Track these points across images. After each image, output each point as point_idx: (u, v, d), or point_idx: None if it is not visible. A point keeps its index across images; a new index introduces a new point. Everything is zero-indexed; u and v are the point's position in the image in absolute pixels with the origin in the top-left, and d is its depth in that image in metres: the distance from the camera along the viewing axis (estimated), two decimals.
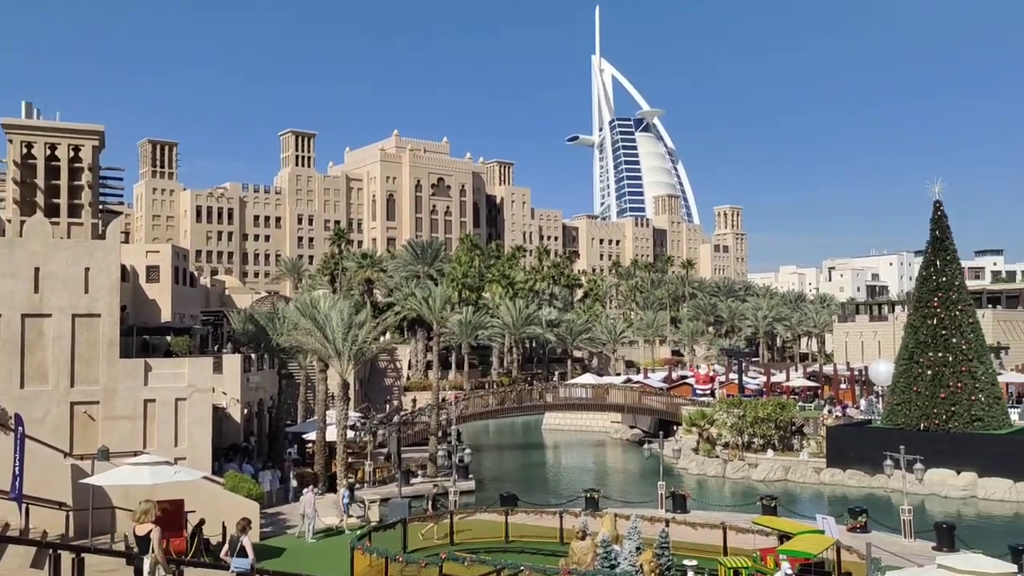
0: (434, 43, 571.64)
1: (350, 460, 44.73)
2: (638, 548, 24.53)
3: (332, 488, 40.93)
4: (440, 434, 53.61)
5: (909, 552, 29.38)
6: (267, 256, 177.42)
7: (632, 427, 76.37)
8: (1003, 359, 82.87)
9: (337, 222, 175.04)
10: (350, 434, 46.70)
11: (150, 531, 15.98)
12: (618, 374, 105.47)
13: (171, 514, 27.81)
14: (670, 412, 68.14)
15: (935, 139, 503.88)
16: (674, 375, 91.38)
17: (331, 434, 43.93)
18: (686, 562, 25.31)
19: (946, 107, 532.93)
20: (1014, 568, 16.39)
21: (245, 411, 45.37)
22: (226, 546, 23.94)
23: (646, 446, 66.21)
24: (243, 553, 20.01)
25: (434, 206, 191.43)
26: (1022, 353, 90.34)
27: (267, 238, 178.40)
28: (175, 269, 77.48)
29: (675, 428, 65.50)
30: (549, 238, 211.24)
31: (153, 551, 15.81)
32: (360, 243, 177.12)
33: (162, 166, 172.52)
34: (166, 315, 71.16)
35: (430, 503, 38.03)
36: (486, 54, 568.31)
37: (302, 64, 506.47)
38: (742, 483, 51.50)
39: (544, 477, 60.12)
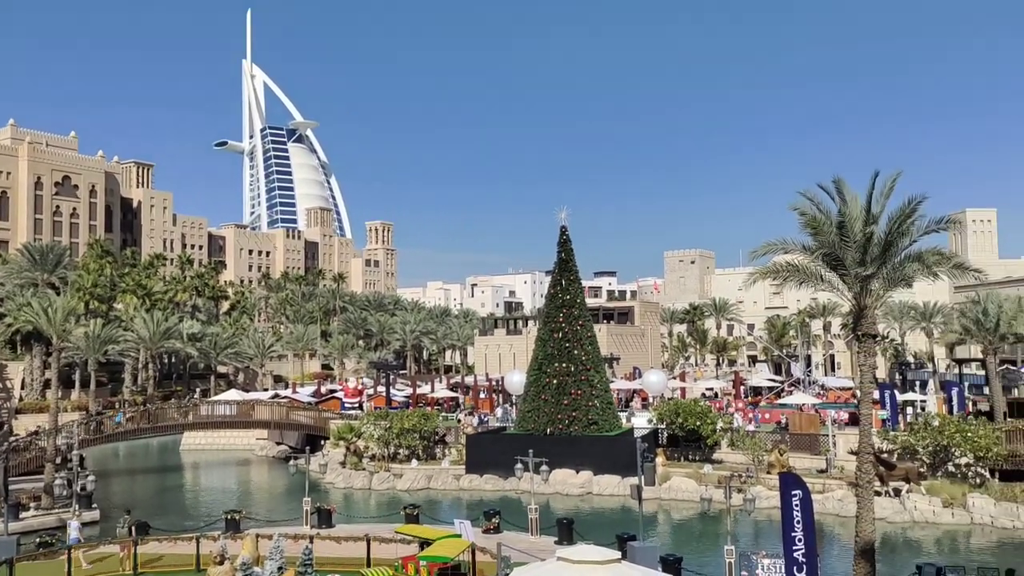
0: (67, 25, 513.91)
1: None
2: (280, 568, 24.07)
3: None
4: (59, 460, 48.12)
5: (535, 548, 32.06)
6: None
7: (279, 443, 74.62)
8: (615, 368, 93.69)
9: None
10: None
11: None
12: (266, 389, 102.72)
13: None
14: (318, 427, 67.68)
15: (569, 168, 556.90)
16: (323, 389, 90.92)
17: None
18: None
19: (575, 141, 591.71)
20: (619, 554, 18.69)
21: None
22: None
23: (292, 462, 64.88)
24: None
25: (58, 207, 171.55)
26: (630, 363, 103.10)
27: None
28: None
29: (323, 443, 65.15)
30: (193, 247, 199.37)
31: None
32: None
33: None
34: None
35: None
36: (126, 43, 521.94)
37: None
38: (388, 494, 52.57)
39: (181, 501, 56.46)
